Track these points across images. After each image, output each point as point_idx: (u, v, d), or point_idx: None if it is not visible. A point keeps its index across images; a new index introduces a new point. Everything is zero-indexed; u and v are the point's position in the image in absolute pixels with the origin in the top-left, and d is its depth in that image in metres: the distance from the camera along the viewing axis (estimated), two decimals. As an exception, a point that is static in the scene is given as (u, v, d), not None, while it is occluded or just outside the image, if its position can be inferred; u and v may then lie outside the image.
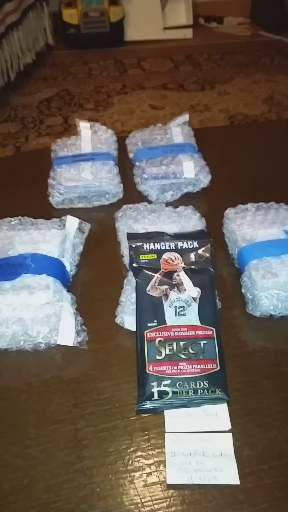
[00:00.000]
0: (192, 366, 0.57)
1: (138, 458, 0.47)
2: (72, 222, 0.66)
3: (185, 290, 0.62)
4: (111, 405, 0.52)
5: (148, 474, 0.46)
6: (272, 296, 0.58)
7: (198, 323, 0.59)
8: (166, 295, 0.62)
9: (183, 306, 0.61)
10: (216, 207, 0.71)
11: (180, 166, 0.76)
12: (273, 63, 2.39)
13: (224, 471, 0.48)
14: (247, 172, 0.82)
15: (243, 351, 0.58)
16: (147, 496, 0.44)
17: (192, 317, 0.60)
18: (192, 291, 0.62)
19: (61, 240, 0.62)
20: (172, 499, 0.44)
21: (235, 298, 0.63)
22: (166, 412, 0.56)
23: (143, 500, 0.43)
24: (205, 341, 0.58)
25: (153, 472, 0.46)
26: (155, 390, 0.55)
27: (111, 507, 0.43)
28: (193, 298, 0.61)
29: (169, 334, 0.59)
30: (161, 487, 0.45)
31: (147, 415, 0.53)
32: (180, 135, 0.82)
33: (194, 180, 0.76)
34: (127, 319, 0.61)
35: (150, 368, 0.57)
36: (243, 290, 0.63)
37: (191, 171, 0.75)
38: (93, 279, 0.64)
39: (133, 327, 0.59)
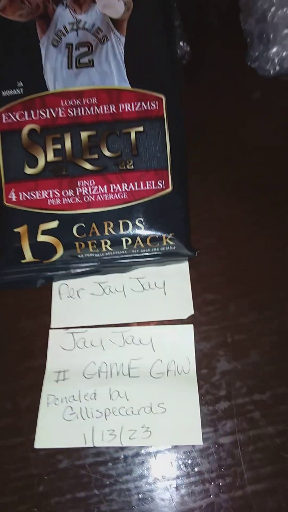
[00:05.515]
0: (107, 188, 0.25)
1: None
2: None
3: (94, 2, 0.25)
4: None
5: None
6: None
7: (126, 84, 0.25)
8: (46, 19, 0.25)
9: (87, 46, 0.25)
10: None
11: None
12: None
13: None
14: None
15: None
16: None
17: (106, 68, 0.25)
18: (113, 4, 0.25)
19: None
20: None
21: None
22: (56, 288, 0.27)
23: None
24: (140, 127, 0.24)
25: None
26: (25, 243, 0.24)
27: None
28: (113, 24, 0.25)
29: (53, 115, 0.25)
30: None
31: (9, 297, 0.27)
32: None
33: None
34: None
35: (12, 195, 0.25)
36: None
37: None
38: None
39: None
